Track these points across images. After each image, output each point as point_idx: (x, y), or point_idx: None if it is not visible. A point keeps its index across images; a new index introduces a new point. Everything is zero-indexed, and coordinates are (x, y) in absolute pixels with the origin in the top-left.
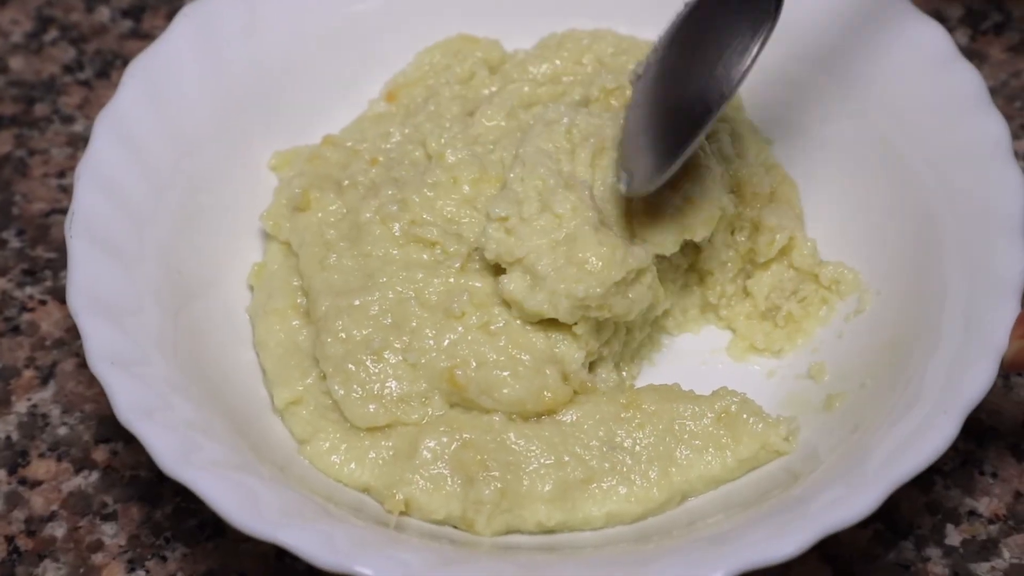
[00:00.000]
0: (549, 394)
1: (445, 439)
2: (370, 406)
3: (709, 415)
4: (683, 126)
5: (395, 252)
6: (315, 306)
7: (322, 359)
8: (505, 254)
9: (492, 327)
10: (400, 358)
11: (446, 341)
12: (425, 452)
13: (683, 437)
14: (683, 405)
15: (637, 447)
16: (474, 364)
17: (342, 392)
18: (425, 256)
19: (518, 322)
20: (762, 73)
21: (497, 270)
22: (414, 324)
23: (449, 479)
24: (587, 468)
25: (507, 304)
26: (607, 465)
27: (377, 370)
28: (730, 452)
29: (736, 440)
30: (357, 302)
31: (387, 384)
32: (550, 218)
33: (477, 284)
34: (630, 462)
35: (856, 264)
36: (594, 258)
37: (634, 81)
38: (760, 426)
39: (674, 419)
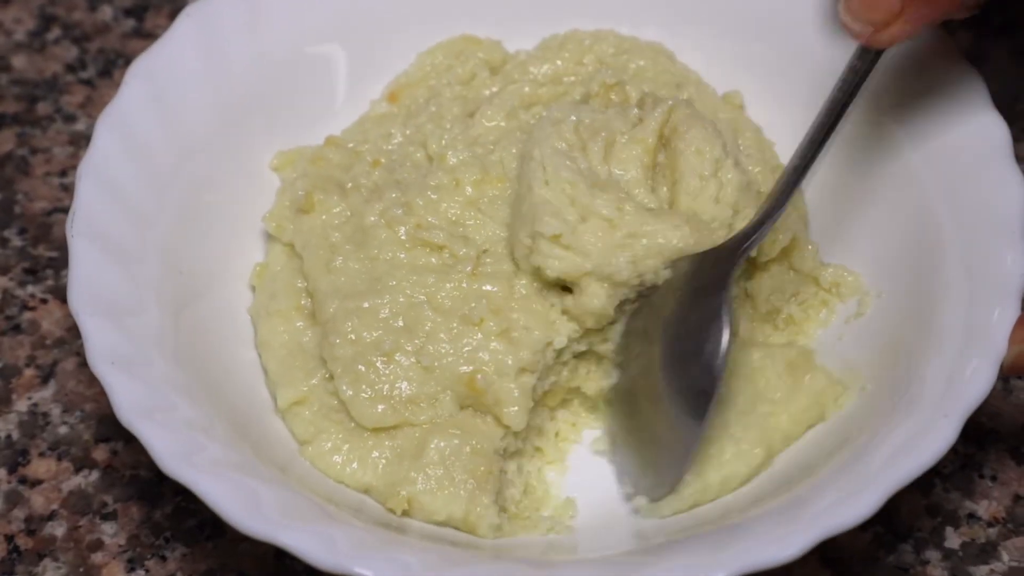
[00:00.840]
0: None
1: (456, 442)
2: (379, 406)
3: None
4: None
5: (402, 256)
6: (322, 308)
7: (330, 360)
8: (572, 270)
9: (513, 335)
10: (412, 360)
11: (466, 347)
12: (432, 452)
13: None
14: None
15: None
16: (495, 374)
17: (351, 392)
18: (434, 260)
19: (539, 331)
20: (763, 76)
21: (537, 278)
22: (428, 328)
23: (454, 480)
24: None
25: (524, 311)
26: None
27: (388, 371)
28: (792, 404)
29: (797, 387)
30: (366, 304)
31: (397, 385)
32: (599, 222)
33: (491, 288)
34: None
35: (856, 267)
36: (660, 237)
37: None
38: (819, 378)
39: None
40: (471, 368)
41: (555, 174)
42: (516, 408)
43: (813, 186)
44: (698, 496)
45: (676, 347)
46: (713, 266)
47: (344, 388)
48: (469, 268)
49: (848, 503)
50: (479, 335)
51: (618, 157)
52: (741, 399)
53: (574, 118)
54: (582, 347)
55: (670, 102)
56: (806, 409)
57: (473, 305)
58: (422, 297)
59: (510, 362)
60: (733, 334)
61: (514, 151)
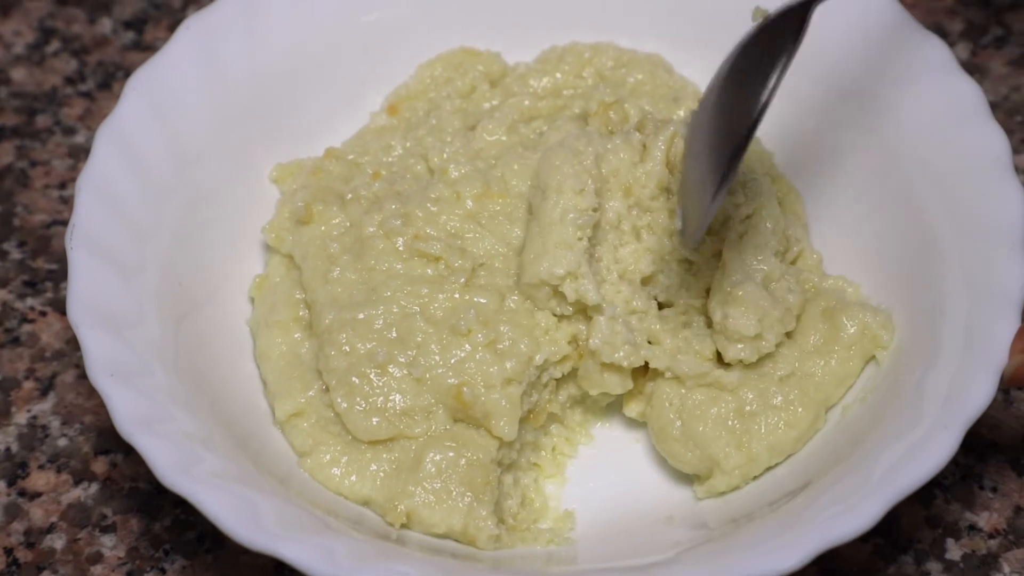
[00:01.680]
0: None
1: (452, 454)
2: (373, 419)
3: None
4: (724, 155)
5: (399, 266)
6: (318, 319)
7: (325, 372)
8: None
9: (499, 346)
10: (405, 372)
11: (453, 358)
12: (429, 465)
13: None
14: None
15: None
16: (482, 385)
17: (345, 405)
18: (429, 271)
19: (525, 343)
20: None
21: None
22: (419, 339)
23: (452, 493)
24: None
25: (512, 324)
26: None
27: (381, 383)
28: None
29: (836, 332)
30: (361, 316)
31: (391, 397)
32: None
33: (482, 300)
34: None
35: (856, 277)
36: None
37: (687, 128)
38: (858, 317)
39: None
40: (458, 381)
41: (564, 218)
42: (505, 419)
43: (812, 197)
44: (746, 470)
45: (726, 86)
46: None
47: (339, 400)
48: (463, 280)
49: (848, 514)
50: (467, 346)
51: (637, 197)
52: (781, 365)
53: (592, 149)
54: (565, 370)
55: (671, 128)
56: (851, 351)
57: (462, 316)
58: (416, 308)
59: (494, 371)
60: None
61: (516, 167)
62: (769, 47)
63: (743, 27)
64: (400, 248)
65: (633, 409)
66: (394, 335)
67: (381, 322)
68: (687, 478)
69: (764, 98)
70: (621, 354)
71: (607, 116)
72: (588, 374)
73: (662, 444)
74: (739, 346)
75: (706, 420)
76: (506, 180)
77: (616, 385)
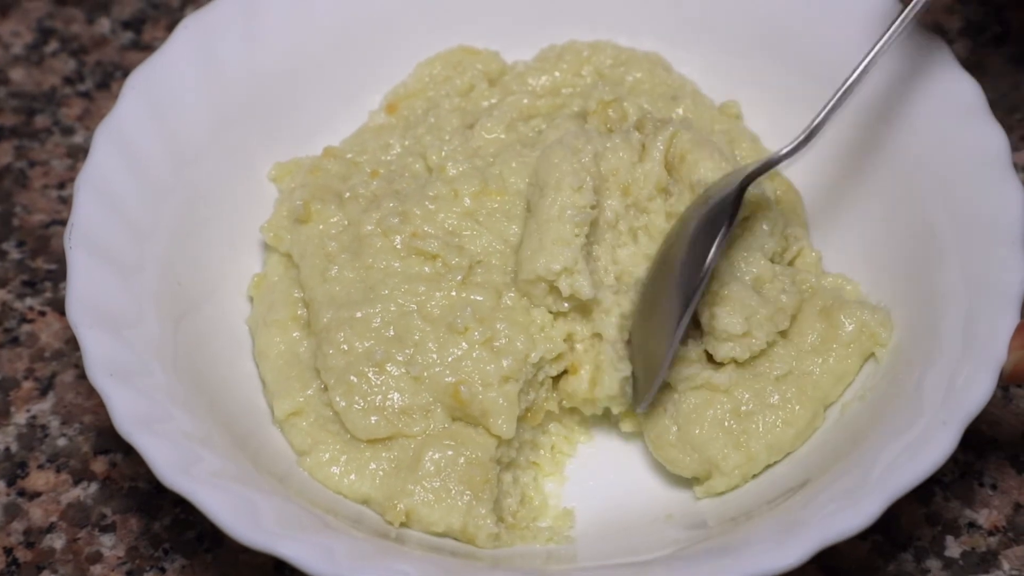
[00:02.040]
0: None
1: (451, 452)
2: (372, 418)
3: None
4: (672, 326)
5: (396, 265)
6: (316, 318)
7: (323, 371)
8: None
9: (495, 344)
10: (403, 371)
11: (450, 356)
12: (428, 464)
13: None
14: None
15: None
16: (479, 383)
17: (344, 404)
18: (427, 269)
19: (522, 341)
20: (764, 84)
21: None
22: (417, 337)
23: (451, 491)
24: None
25: (508, 321)
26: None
27: (379, 382)
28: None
29: (833, 329)
30: (359, 314)
31: (389, 396)
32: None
33: (479, 298)
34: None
35: (856, 275)
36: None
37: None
38: (855, 314)
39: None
40: (455, 379)
41: (560, 216)
42: (503, 417)
43: (811, 195)
44: (745, 469)
45: (674, 251)
46: (723, 194)
47: (337, 399)
48: (460, 277)
49: (847, 512)
50: (464, 344)
51: (635, 197)
52: (778, 365)
53: (590, 147)
54: (560, 368)
55: (671, 128)
56: (849, 349)
57: (459, 314)
58: (413, 306)
59: (491, 369)
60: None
61: (514, 165)
62: (711, 224)
63: (740, 25)
64: (398, 246)
65: (628, 425)
66: (392, 333)
67: (379, 320)
68: (686, 478)
69: (706, 269)
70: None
71: (606, 114)
72: (577, 402)
73: (660, 451)
74: (728, 344)
75: (702, 423)
76: (504, 178)
77: (612, 406)
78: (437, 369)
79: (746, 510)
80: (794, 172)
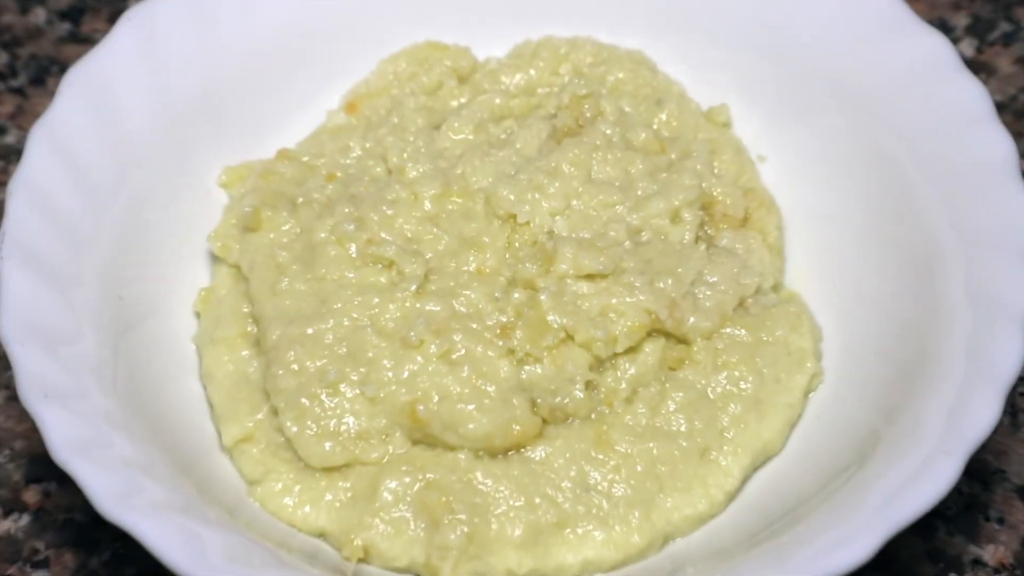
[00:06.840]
0: (518, 427)
1: (408, 479)
2: (326, 444)
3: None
4: None
5: (350, 275)
6: (266, 335)
7: (273, 393)
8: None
9: (453, 356)
10: (357, 391)
11: (405, 373)
12: (386, 494)
13: (664, 479)
14: (659, 443)
15: (614, 489)
16: (436, 398)
17: (295, 429)
18: (382, 279)
19: (480, 349)
20: (759, 89)
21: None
22: (371, 354)
23: (412, 523)
24: (560, 511)
25: (464, 331)
26: (581, 508)
27: (333, 405)
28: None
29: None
30: (310, 330)
31: (344, 420)
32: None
33: (435, 308)
34: (607, 506)
35: (854, 288)
36: None
37: None
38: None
39: (654, 461)
40: (411, 397)
41: None
42: (473, 425)
43: (808, 205)
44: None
45: None
46: None
47: (289, 424)
48: (414, 287)
49: (843, 547)
50: (419, 359)
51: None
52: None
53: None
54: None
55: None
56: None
57: (414, 327)
58: (366, 320)
59: (449, 382)
60: None
61: (478, 163)
62: None
63: (728, 19)
64: (352, 255)
65: None
66: (344, 351)
67: (331, 337)
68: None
69: None
70: None
71: (580, 109)
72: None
73: None
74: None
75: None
76: (466, 177)
77: None
78: (392, 388)
79: (735, 541)
80: (790, 179)
